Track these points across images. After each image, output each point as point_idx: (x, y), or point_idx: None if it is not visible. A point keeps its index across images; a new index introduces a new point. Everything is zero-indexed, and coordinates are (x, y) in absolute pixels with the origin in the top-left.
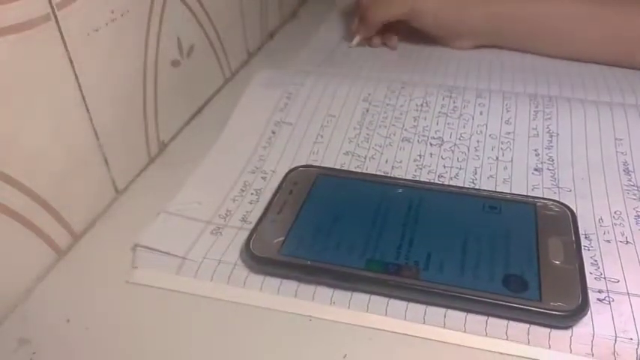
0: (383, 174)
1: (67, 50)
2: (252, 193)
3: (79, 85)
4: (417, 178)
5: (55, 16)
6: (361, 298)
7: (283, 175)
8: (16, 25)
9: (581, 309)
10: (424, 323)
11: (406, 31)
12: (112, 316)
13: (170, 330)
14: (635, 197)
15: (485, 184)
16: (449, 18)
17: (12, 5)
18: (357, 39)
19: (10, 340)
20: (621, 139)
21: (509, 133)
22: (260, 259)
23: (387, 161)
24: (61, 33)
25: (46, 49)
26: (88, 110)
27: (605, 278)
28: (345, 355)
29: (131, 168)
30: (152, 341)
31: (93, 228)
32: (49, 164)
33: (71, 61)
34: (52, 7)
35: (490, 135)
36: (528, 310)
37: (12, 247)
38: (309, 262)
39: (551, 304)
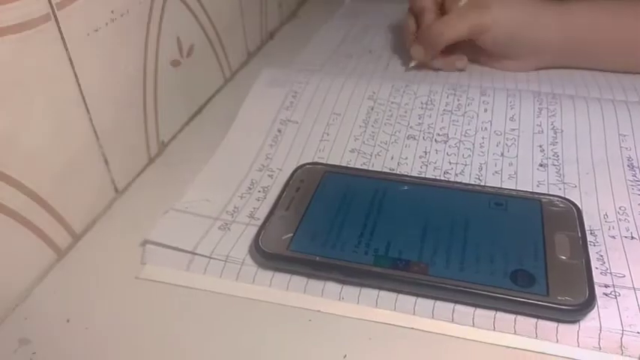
0: (389, 171)
1: (67, 50)
2: (259, 191)
3: (79, 85)
4: (423, 175)
5: (55, 16)
6: (370, 293)
7: (290, 172)
8: (16, 25)
9: (587, 303)
10: (433, 318)
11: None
12: (113, 315)
13: (177, 325)
14: (639, 192)
15: (491, 180)
16: (520, 34)
17: (12, 5)
18: (414, 62)
19: (11, 340)
20: (625, 135)
21: (513, 129)
22: (269, 255)
23: (392, 158)
24: (61, 33)
25: (46, 49)
26: (88, 110)
27: (611, 273)
28: (345, 356)
29: (131, 168)
30: (154, 338)
31: (93, 228)
32: (48, 164)
33: (71, 61)
34: (51, 7)
35: (495, 132)
36: (536, 304)
37: (12, 247)
38: (317, 258)
39: (559, 298)
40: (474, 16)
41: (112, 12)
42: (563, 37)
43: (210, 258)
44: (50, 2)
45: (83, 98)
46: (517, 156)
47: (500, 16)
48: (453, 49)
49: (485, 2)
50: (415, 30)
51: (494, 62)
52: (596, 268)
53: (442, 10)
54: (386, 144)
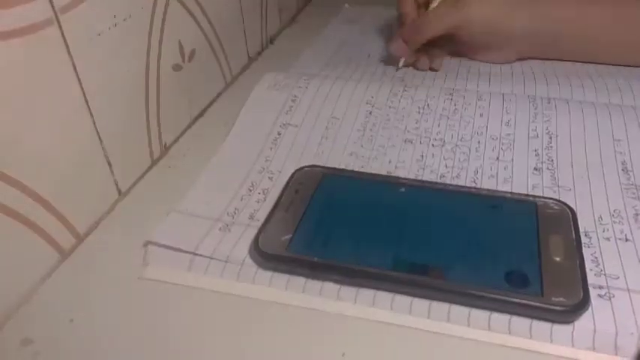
0: (386, 174)
1: (69, 54)
2: (259, 193)
3: (82, 89)
4: (420, 178)
5: (58, 21)
6: (367, 293)
7: (289, 175)
8: (19, 29)
9: (582, 304)
10: (429, 317)
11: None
12: (116, 314)
13: (178, 324)
14: (633, 196)
15: (487, 184)
16: (498, 25)
17: (15, 10)
18: (402, 60)
19: (14, 340)
20: (619, 140)
21: (509, 134)
22: (268, 255)
23: (390, 161)
24: (63, 37)
25: (49, 53)
26: (91, 113)
27: (605, 275)
28: (344, 354)
29: (134, 170)
30: (156, 337)
31: (96, 229)
32: (52, 167)
33: (74, 65)
34: (54, 12)
35: (491, 136)
36: (530, 305)
37: (15, 248)
38: (316, 259)
39: (553, 299)
40: (450, 14)
41: (115, 16)
42: (536, 28)
43: (211, 258)
44: (53, 7)
45: (86, 102)
46: (512, 160)
47: (475, 13)
48: (434, 42)
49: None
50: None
51: (474, 54)
52: (591, 269)
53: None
54: (383, 147)
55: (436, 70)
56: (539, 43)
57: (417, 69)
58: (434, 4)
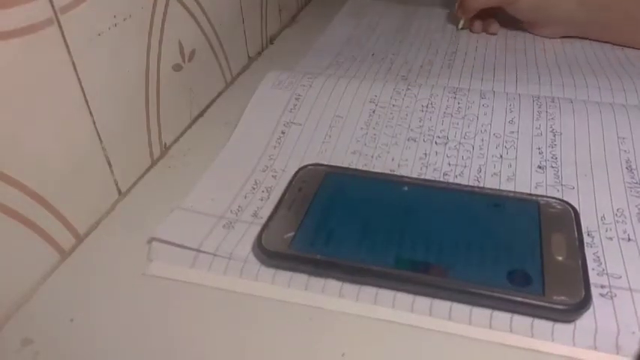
0: (389, 172)
1: (70, 54)
2: (262, 191)
3: (82, 89)
4: (423, 176)
5: (58, 21)
6: (369, 291)
7: (293, 173)
8: (19, 29)
9: (583, 303)
10: (430, 315)
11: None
12: (117, 313)
13: (181, 320)
14: (637, 195)
15: (490, 182)
16: (544, 4)
17: (15, 9)
18: (462, 22)
19: (14, 340)
20: (624, 138)
21: (512, 132)
22: (271, 253)
23: (393, 160)
24: (63, 37)
25: (49, 53)
26: (91, 113)
27: (607, 274)
28: (344, 354)
29: (134, 170)
30: (158, 333)
31: (96, 229)
32: (52, 167)
33: (74, 65)
34: (54, 12)
35: (494, 134)
36: (532, 304)
37: (15, 248)
38: (318, 257)
39: (555, 298)
40: None
41: (115, 16)
42: (584, 9)
43: (215, 255)
44: (53, 6)
45: (86, 102)
46: (516, 158)
47: None
48: (490, 13)
49: None
50: None
51: (526, 27)
52: (593, 269)
53: None
54: (387, 146)
55: (493, 34)
56: (585, 25)
57: (472, 32)
58: None
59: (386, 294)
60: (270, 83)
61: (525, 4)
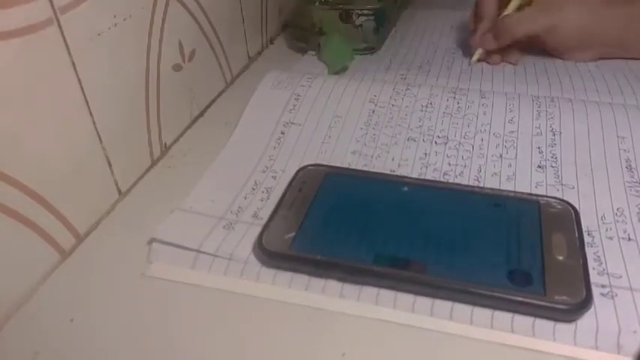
0: (389, 172)
1: (69, 54)
2: (262, 191)
3: (82, 89)
4: (423, 176)
5: (58, 21)
6: (370, 291)
7: (293, 174)
8: (19, 29)
9: (584, 303)
10: (431, 316)
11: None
12: (117, 313)
13: (181, 321)
14: (637, 194)
15: (490, 182)
16: (591, 29)
17: (15, 9)
18: (478, 53)
19: (14, 340)
20: (624, 137)
21: (512, 132)
22: (272, 253)
23: (393, 160)
24: (63, 37)
25: (49, 52)
26: (91, 113)
27: (608, 274)
28: (344, 354)
29: (134, 170)
30: (157, 334)
31: (96, 229)
32: (52, 167)
33: (74, 65)
34: (54, 12)
35: (494, 134)
36: (533, 304)
37: (15, 248)
38: (319, 257)
39: (556, 298)
40: (545, 17)
41: (115, 16)
42: (633, 30)
43: (215, 256)
44: (53, 6)
45: (86, 101)
46: (516, 157)
47: (569, 18)
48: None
49: (558, 3)
50: (474, 29)
51: (558, 54)
52: (594, 268)
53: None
54: (387, 146)
55: (513, 64)
56: (631, 45)
57: (490, 64)
58: (514, 3)
59: (387, 294)
60: (269, 83)
61: (568, 32)
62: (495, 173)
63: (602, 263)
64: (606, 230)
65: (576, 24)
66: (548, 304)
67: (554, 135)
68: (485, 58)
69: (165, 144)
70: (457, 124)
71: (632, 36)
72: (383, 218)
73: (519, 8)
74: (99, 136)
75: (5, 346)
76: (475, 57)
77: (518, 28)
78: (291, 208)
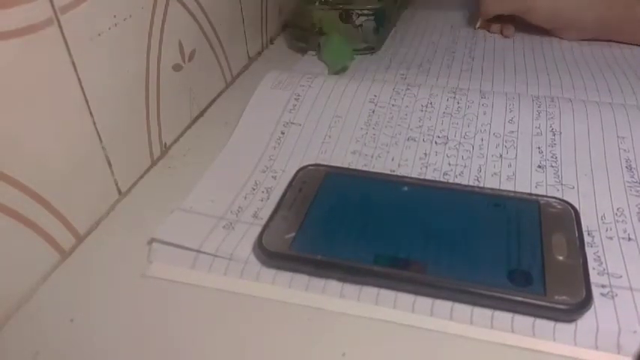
0: (389, 172)
1: (70, 54)
2: (262, 192)
3: (82, 89)
4: (423, 176)
5: (58, 21)
6: (370, 291)
7: (293, 174)
8: (19, 29)
9: (584, 303)
10: (432, 316)
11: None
12: (117, 313)
13: (181, 321)
14: (637, 194)
15: (490, 182)
16: (562, 17)
17: (15, 9)
18: (479, 22)
19: (14, 341)
20: (624, 137)
21: (512, 132)
22: (272, 253)
23: (393, 160)
24: (64, 37)
25: (49, 52)
26: (91, 113)
27: (608, 273)
28: (344, 354)
29: (134, 170)
30: (157, 334)
31: (96, 229)
32: (52, 167)
33: (74, 65)
34: (54, 12)
35: (494, 134)
36: (533, 304)
37: (15, 248)
38: (319, 257)
39: (556, 297)
40: (511, 3)
41: (115, 16)
42: (599, 15)
43: (215, 256)
44: (53, 6)
45: (86, 101)
46: (516, 157)
47: (541, 3)
48: (509, 17)
49: None
50: None
51: (549, 32)
52: (594, 268)
53: None
54: (387, 146)
55: (507, 37)
56: (610, 28)
57: (489, 32)
58: None
59: (387, 294)
60: (269, 83)
61: (543, 15)
62: (495, 173)
63: (602, 263)
64: (606, 230)
65: (551, 5)
66: (548, 304)
67: (554, 135)
68: (487, 27)
69: (165, 144)
70: (457, 124)
71: (613, 19)
72: (383, 218)
73: None
74: (99, 136)
75: (5, 346)
76: (477, 24)
77: (493, 7)
78: (291, 208)
